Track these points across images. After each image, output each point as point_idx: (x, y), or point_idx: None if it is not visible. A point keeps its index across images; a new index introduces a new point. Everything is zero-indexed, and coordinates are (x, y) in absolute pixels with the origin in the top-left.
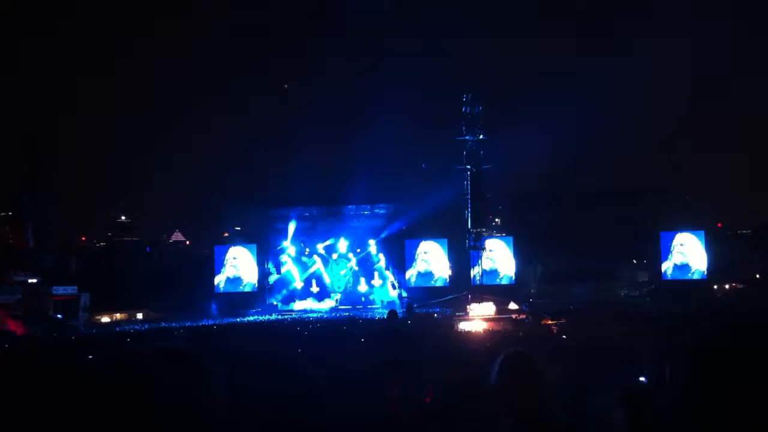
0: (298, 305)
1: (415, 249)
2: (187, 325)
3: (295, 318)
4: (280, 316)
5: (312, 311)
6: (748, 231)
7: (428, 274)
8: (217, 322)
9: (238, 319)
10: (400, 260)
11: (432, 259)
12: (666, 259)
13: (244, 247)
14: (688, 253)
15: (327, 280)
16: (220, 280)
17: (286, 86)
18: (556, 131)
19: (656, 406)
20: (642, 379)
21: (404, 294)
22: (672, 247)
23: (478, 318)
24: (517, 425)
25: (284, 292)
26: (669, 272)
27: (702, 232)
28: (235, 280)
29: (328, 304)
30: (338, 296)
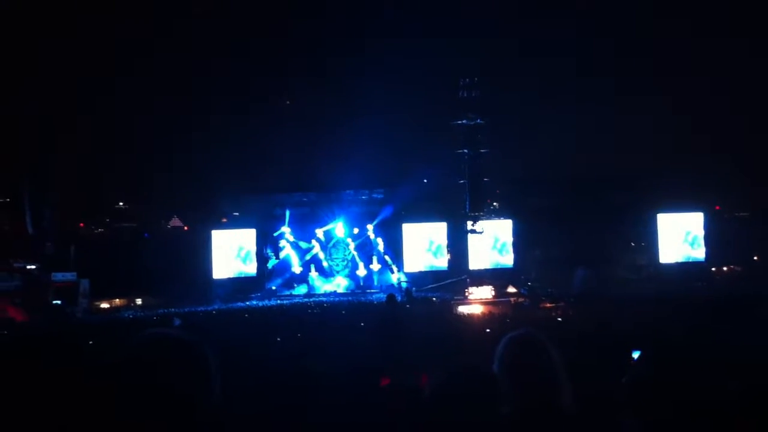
0: (312, 286)
1: (415, 233)
2: (186, 310)
3: (295, 302)
4: (279, 301)
5: (311, 295)
6: (747, 213)
7: (431, 258)
8: (217, 307)
9: (239, 304)
10: (399, 244)
11: (435, 242)
12: (664, 241)
13: (246, 229)
14: (687, 235)
15: (325, 264)
16: (229, 266)
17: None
18: (556, 115)
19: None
20: (635, 355)
21: (403, 278)
22: (671, 230)
23: (476, 302)
24: (522, 412)
25: (286, 276)
26: (667, 255)
27: (701, 215)
28: (240, 266)
29: (337, 284)
30: (341, 280)
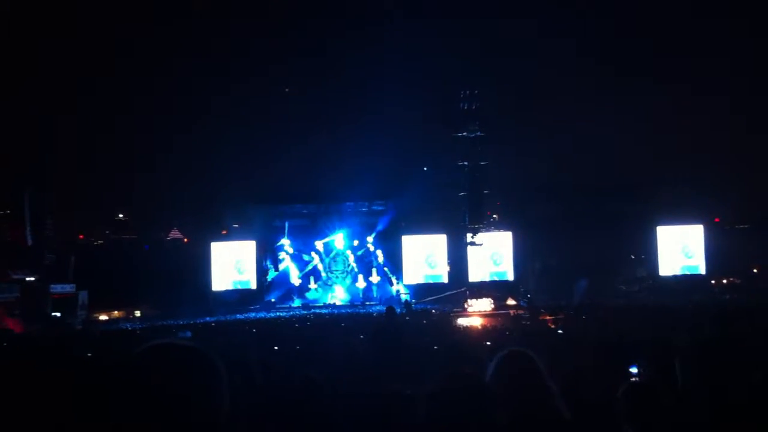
0: (311, 298)
1: (415, 245)
2: (187, 322)
3: (294, 315)
4: (279, 314)
5: (310, 307)
6: (746, 225)
7: (431, 270)
8: (218, 319)
9: (237, 316)
10: (398, 256)
11: (434, 254)
12: (664, 253)
13: (245, 241)
14: (686, 247)
15: (325, 276)
16: (228, 278)
17: (287, 89)
18: (555, 127)
19: (657, 398)
20: (634, 369)
21: (403, 290)
22: (670, 242)
23: (476, 314)
24: (516, 424)
25: (285, 288)
26: (667, 267)
27: (700, 227)
28: (239, 278)
29: (337, 296)
30: (341, 292)
